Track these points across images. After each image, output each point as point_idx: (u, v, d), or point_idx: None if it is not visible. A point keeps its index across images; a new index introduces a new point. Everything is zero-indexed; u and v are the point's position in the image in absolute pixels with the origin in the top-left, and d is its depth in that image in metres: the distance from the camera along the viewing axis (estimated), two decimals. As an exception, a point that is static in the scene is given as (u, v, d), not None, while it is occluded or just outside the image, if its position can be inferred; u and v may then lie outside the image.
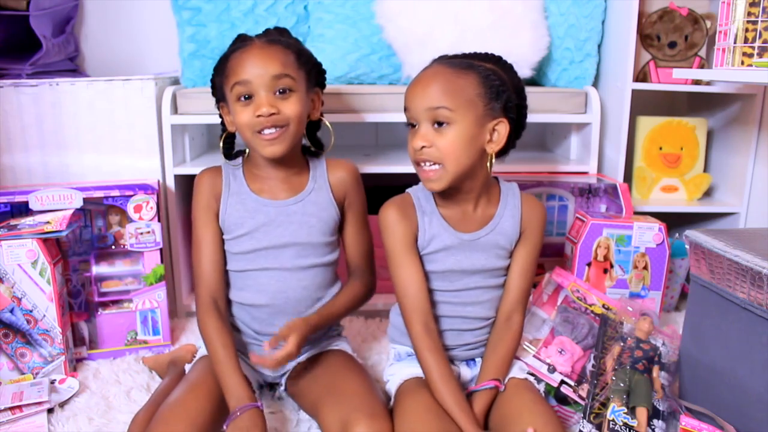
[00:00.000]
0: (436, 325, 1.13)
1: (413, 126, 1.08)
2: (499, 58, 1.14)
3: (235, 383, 1.06)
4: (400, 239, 1.12)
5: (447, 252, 1.12)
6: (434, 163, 1.06)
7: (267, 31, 1.19)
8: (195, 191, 1.20)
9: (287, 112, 1.11)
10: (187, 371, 1.20)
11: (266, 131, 1.11)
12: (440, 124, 1.04)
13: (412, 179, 1.18)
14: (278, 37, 1.16)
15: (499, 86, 1.07)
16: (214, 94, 1.22)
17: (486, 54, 1.13)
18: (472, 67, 1.07)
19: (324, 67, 1.24)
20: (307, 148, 1.25)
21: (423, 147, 1.04)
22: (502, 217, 1.14)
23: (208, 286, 1.17)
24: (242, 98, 1.12)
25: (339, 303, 1.22)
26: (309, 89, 1.18)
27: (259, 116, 1.10)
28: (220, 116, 1.23)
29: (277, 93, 1.11)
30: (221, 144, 1.24)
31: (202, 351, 1.22)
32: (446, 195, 1.13)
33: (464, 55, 1.12)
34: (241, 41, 1.16)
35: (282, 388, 1.25)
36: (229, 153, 1.25)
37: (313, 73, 1.20)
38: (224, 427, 1.03)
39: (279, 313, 1.19)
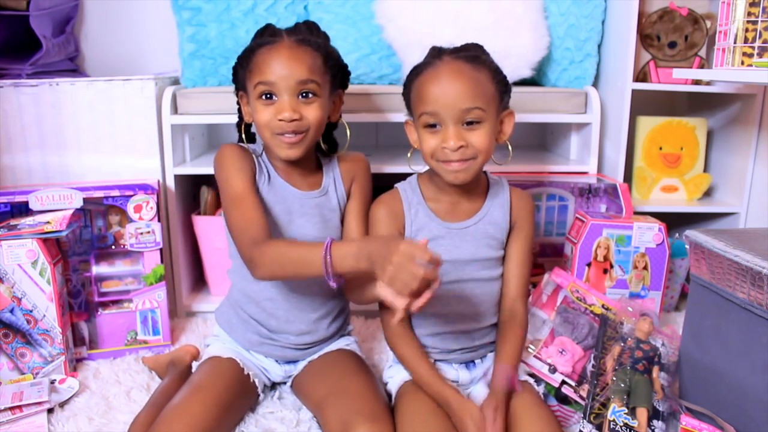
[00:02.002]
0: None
1: (432, 126, 1.07)
2: (483, 47, 1.14)
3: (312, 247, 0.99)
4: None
5: (435, 242, 1.13)
6: (466, 159, 1.06)
7: (297, 27, 1.16)
8: (226, 156, 1.14)
9: (309, 118, 1.10)
10: (193, 372, 1.19)
11: (286, 135, 1.10)
12: (470, 123, 1.05)
13: (412, 179, 1.18)
14: (308, 37, 1.14)
15: (504, 79, 1.11)
16: (234, 82, 1.20)
17: (469, 45, 1.13)
18: (483, 61, 1.09)
19: None
20: (319, 146, 1.23)
21: (461, 147, 1.04)
22: (491, 207, 1.16)
23: (253, 230, 1.06)
24: (264, 96, 1.10)
25: None
26: (332, 92, 1.17)
27: (280, 120, 1.09)
28: (238, 104, 1.22)
29: (300, 97, 1.10)
30: (242, 134, 1.23)
31: (207, 352, 1.22)
32: (436, 187, 1.15)
33: (458, 49, 1.11)
34: (270, 35, 1.13)
35: (288, 385, 1.25)
36: (246, 141, 1.25)
37: (339, 75, 1.19)
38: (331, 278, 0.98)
39: (294, 309, 1.19)
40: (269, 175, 1.18)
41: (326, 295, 1.21)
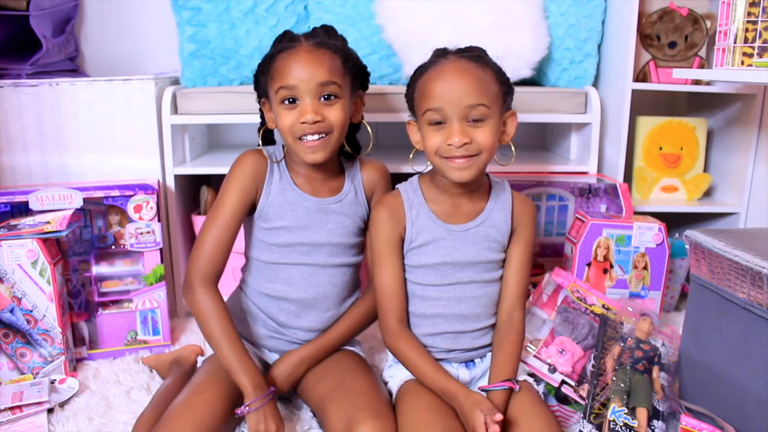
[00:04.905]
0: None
1: (437, 123, 1.07)
2: (485, 50, 1.14)
3: (248, 368, 1.06)
4: (386, 240, 1.14)
5: (436, 244, 1.13)
6: (470, 156, 1.06)
7: (314, 31, 1.17)
8: (238, 167, 1.16)
9: (332, 119, 1.11)
10: (197, 369, 1.19)
11: (309, 138, 1.10)
12: (476, 120, 1.05)
13: (412, 179, 1.17)
14: (326, 40, 1.15)
15: (507, 80, 1.11)
16: (256, 89, 1.21)
17: (473, 47, 1.13)
18: (486, 61, 1.10)
19: None
20: (342, 149, 1.23)
21: (465, 144, 1.05)
22: (493, 210, 1.16)
23: (212, 262, 1.12)
24: (286, 101, 1.11)
25: (344, 327, 1.22)
26: (353, 93, 1.18)
27: (303, 123, 1.09)
28: (260, 110, 1.23)
29: (322, 99, 1.11)
30: (260, 139, 1.23)
31: (210, 351, 1.22)
32: (438, 188, 1.15)
33: (462, 50, 1.12)
34: (288, 41, 1.14)
35: None
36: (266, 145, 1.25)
37: (358, 76, 1.19)
38: (243, 410, 1.03)
39: (308, 308, 1.20)
40: (285, 181, 1.18)
41: (339, 298, 1.22)
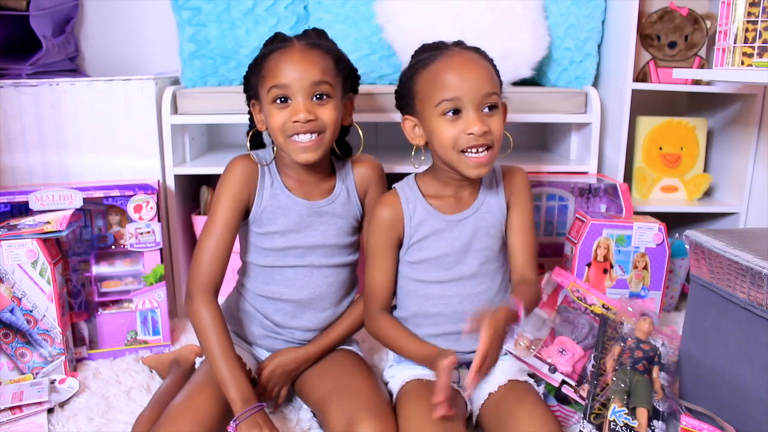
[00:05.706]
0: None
1: (453, 113, 1.05)
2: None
3: (239, 382, 1.05)
4: (381, 240, 1.15)
5: (436, 236, 1.14)
6: (486, 148, 1.06)
7: (306, 33, 1.18)
8: (227, 175, 1.16)
9: (324, 119, 1.10)
10: (196, 369, 1.19)
11: (302, 137, 1.10)
12: (491, 108, 1.06)
13: (412, 179, 1.17)
14: (318, 41, 1.15)
15: (499, 73, 1.12)
16: (246, 91, 1.20)
17: (460, 41, 1.14)
18: (484, 53, 1.11)
19: None
20: (333, 151, 1.23)
21: (485, 132, 1.04)
22: (487, 195, 1.17)
23: (210, 273, 1.13)
24: (278, 100, 1.11)
25: (339, 330, 1.24)
26: (344, 95, 1.18)
27: (295, 122, 1.09)
28: (249, 113, 1.22)
29: (314, 98, 1.10)
30: (248, 142, 1.22)
31: None
32: (439, 183, 1.15)
33: (457, 43, 1.12)
34: (280, 41, 1.14)
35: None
36: (255, 149, 1.24)
37: (349, 79, 1.19)
38: (233, 426, 1.02)
39: (304, 308, 1.20)
40: (276, 185, 1.18)
41: (336, 297, 1.23)
